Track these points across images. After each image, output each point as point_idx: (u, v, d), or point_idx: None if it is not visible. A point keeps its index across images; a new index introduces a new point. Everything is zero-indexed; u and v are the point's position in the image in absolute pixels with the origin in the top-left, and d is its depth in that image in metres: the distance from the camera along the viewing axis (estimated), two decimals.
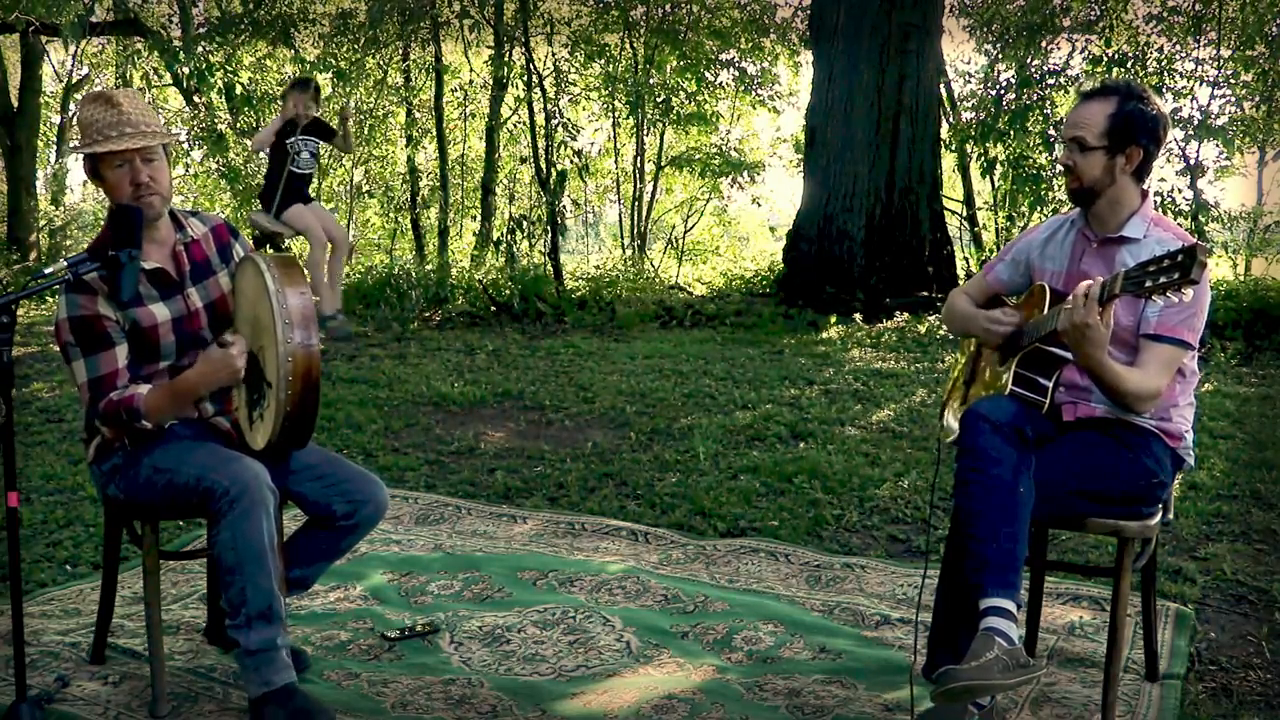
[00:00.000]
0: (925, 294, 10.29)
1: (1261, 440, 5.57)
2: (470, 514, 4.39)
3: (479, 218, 15.18)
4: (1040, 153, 11.11)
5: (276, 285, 2.48)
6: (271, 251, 7.26)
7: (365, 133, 15.43)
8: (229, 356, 2.58)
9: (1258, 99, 11.82)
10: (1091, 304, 2.32)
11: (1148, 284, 2.22)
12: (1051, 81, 11.21)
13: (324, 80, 14.45)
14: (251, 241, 5.19)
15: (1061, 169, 2.70)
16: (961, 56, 22.05)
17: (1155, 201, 9.48)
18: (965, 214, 13.58)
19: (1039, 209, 10.92)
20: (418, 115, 15.53)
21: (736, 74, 15.54)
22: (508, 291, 10.88)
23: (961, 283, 10.43)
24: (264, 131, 7.42)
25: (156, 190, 2.64)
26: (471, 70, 15.24)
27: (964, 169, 13.78)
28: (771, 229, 19.50)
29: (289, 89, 7.58)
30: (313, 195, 7.76)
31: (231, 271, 2.80)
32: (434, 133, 14.97)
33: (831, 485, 4.68)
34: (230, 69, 12.92)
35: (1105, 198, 2.64)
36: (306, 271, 6.59)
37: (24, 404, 6.27)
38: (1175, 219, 10.19)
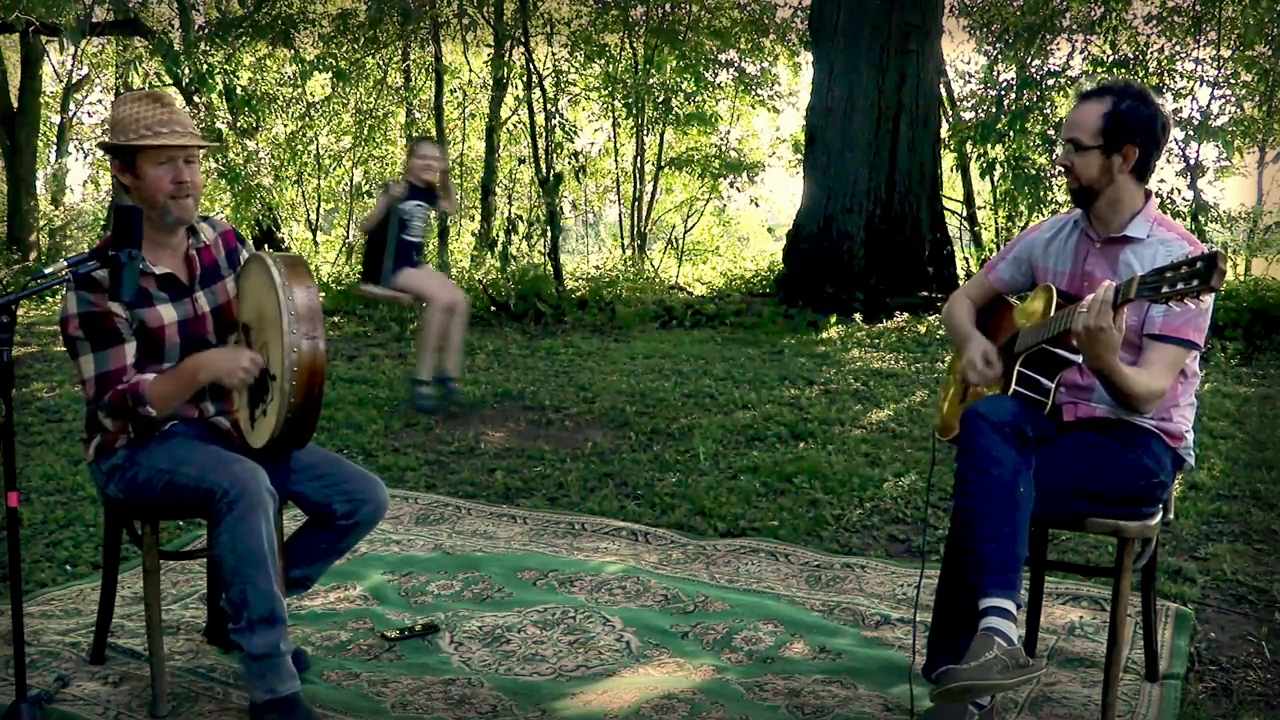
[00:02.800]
0: (925, 294, 10.29)
1: (1261, 440, 5.57)
2: (470, 514, 4.39)
3: (478, 218, 15.18)
4: (1040, 153, 11.12)
5: (283, 280, 2.49)
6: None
7: (365, 133, 15.43)
8: (242, 351, 2.60)
9: (1258, 99, 11.81)
10: (1106, 308, 2.31)
11: (1164, 290, 2.20)
12: (1051, 82, 11.21)
13: (324, 80, 14.48)
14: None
15: (1061, 169, 2.71)
16: (961, 56, 22.05)
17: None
18: (965, 214, 13.59)
19: (1037, 210, 10.93)
20: (417, 115, 15.52)
21: (736, 74, 15.55)
22: (507, 291, 10.88)
23: (961, 282, 10.44)
24: (376, 211, 6.23)
25: (193, 193, 2.67)
26: (471, 70, 15.24)
27: (964, 169, 13.79)
28: (770, 230, 19.50)
29: (415, 149, 6.49)
30: (421, 260, 6.63)
31: (237, 275, 2.81)
32: (434, 133, 14.97)
33: (831, 485, 4.68)
34: (230, 70, 12.93)
35: (1105, 197, 2.64)
36: (432, 336, 6.01)
37: (24, 404, 6.27)
38: (1175, 219, 10.19)
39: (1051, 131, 10.90)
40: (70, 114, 19.27)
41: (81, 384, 2.63)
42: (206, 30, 13.35)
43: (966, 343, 2.84)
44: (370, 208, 6.56)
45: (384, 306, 10.51)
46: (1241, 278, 11.72)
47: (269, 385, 2.55)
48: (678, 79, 14.71)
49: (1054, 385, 2.63)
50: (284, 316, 2.45)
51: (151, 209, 2.65)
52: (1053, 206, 10.78)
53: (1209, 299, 2.31)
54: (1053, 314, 2.58)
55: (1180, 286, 2.18)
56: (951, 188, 13.80)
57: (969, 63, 16.30)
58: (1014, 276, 2.87)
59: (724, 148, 15.91)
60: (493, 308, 10.51)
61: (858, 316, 9.78)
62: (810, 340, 9.04)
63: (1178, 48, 11.56)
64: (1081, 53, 11.40)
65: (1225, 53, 11.24)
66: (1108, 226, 2.67)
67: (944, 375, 3.10)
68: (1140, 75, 10.60)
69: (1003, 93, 11.37)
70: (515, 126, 14.74)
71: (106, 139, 2.68)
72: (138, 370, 2.63)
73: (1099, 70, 10.58)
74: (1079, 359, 2.56)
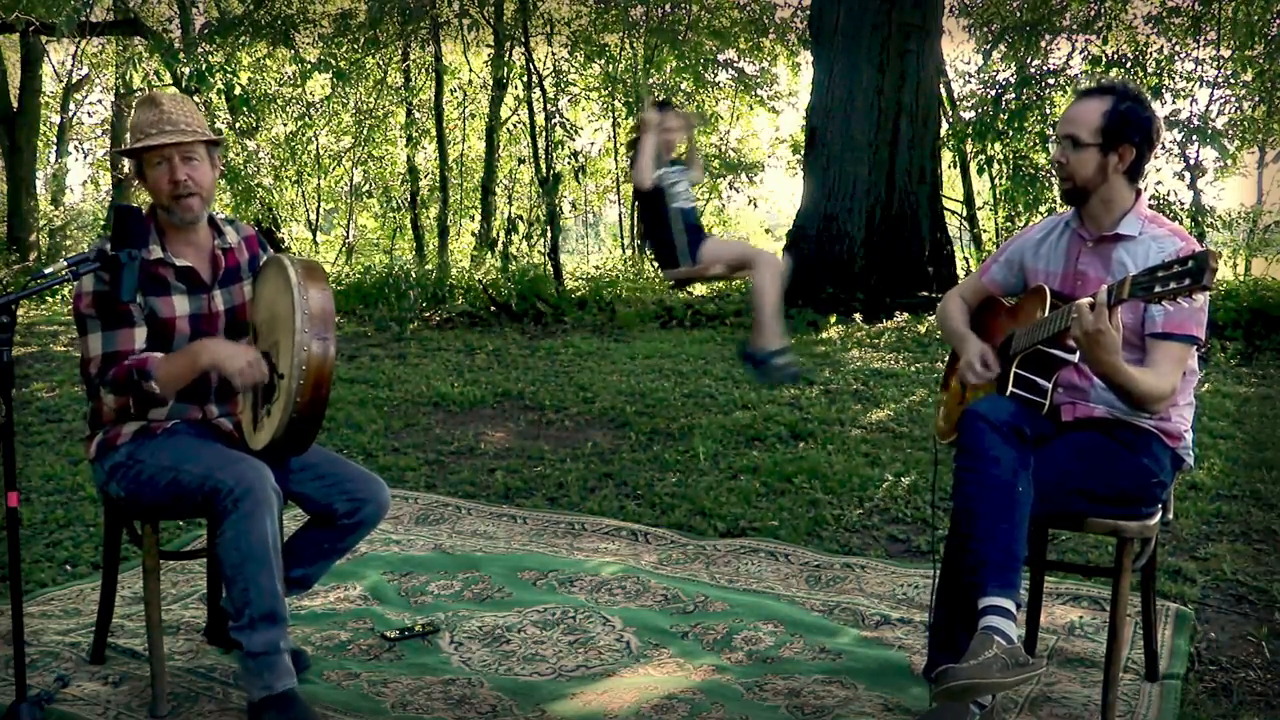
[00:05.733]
0: (925, 294, 10.29)
1: (1261, 440, 5.57)
2: (470, 514, 4.39)
3: (478, 217, 15.18)
4: (1038, 152, 11.12)
5: (299, 280, 2.49)
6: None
7: (365, 133, 15.44)
8: (250, 349, 2.59)
9: (1257, 99, 11.82)
10: (1101, 310, 2.31)
11: (1157, 289, 2.21)
12: (1051, 82, 11.22)
13: (324, 80, 14.48)
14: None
15: (1055, 166, 2.71)
16: (961, 56, 22.05)
17: (1151, 203, 9.47)
18: (965, 214, 13.59)
19: (1035, 209, 10.93)
20: (417, 115, 15.53)
21: (735, 74, 15.55)
22: (507, 291, 10.88)
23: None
24: (642, 166, 5.60)
25: (195, 190, 2.66)
26: (471, 70, 15.24)
27: (963, 169, 13.80)
28: (767, 230, 19.50)
29: (644, 121, 5.73)
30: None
31: (254, 276, 2.82)
32: (434, 133, 14.98)
33: (831, 485, 4.68)
34: (230, 69, 12.92)
35: (1098, 196, 2.65)
36: (758, 297, 5.31)
37: (24, 404, 6.27)
38: (1174, 220, 10.18)
39: (1050, 131, 10.90)
40: (70, 114, 19.28)
41: (86, 362, 2.63)
42: (206, 30, 13.35)
43: (963, 344, 2.85)
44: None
45: (383, 306, 10.52)
46: (1241, 278, 11.72)
47: (276, 384, 2.55)
48: (678, 79, 14.71)
49: (1051, 385, 2.64)
50: (297, 315, 2.45)
51: (163, 210, 2.68)
52: (1049, 206, 10.78)
53: (1202, 297, 2.31)
54: (1047, 314, 2.59)
55: (1173, 285, 2.18)
56: (951, 188, 13.81)
57: (969, 63, 16.31)
58: (1006, 278, 2.88)
59: (724, 148, 15.91)
60: (492, 308, 10.51)
61: (858, 316, 9.78)
62: (810, 340, 9.04)
63: (1177, 48, 11.56)
64: (1081, 52, 11.41)
65: (1225, 53, 11.23)
66: (1099, 225, 2.67)
67: (942, 377, 3.10)
68: (1139, 75, 10.60)
69: (1001, 91, 11.38)
70: (515, 126, 14.75)
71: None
72: None
73: (1097, 70, 10.58)
74: (1074, 358, 2.56)
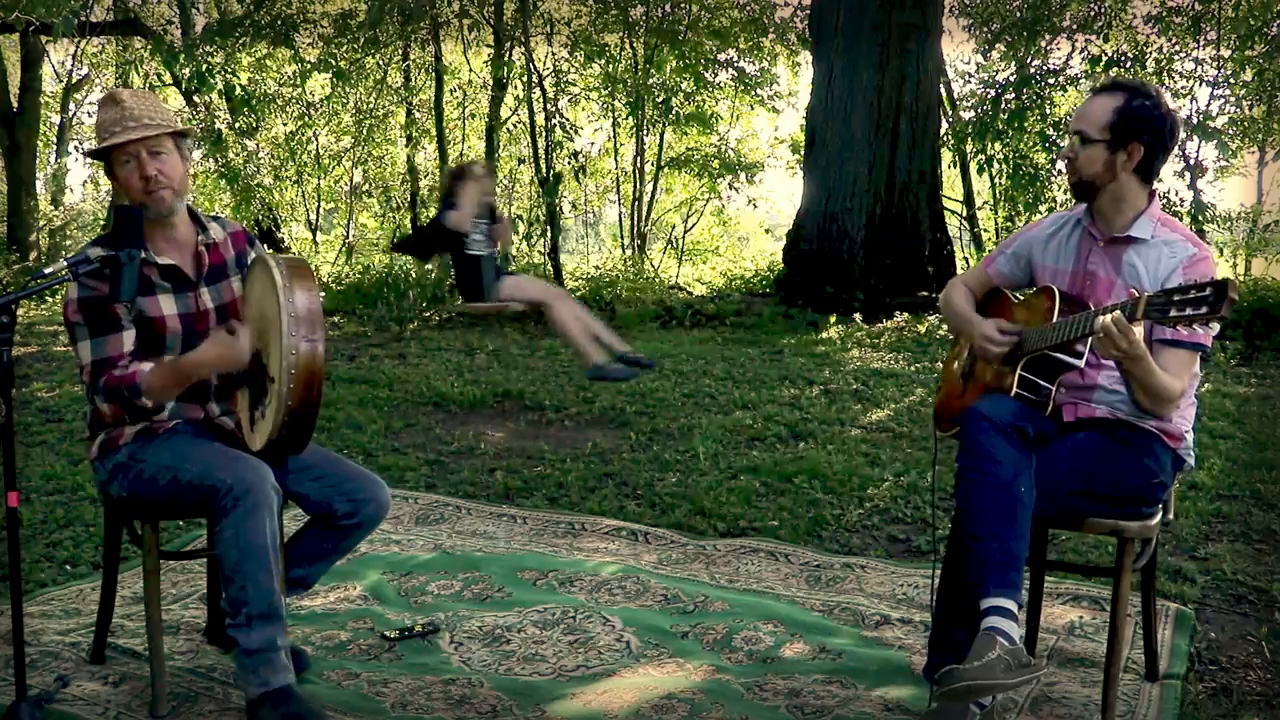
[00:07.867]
0: (925, 294, 10.29)
1: (1261, 440, 5.57)
2: (470, 514, 4.39)
3: None
4: (1038, 152, 11.11)
5: (285, 282, 2.48)
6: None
7: (365, 133, 15.42)
8: (236, 344, 2.57)
9: (1257, 99, 11.81)
10: (1128, 330, 2.30)
11: (1172, 314, 2.18)
12: (1050, 81, 11.22)
13: (324, 80, 14.48)
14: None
15: (1063, 161, 2.70)
16: (961, 56, 22.07)
17: None
18: (965, 214, 13.59)
19: (1035, 209, 10.93)
20: (417, 115, 15.53)
21: (736, 74, 15.55)
22: None
23: None
24: (464, 212, 6.13)
25: (166, 184, 2.64)
26: (471, 70, 15.24)
27: (964, 168, 13.80)
28: (767, 230, 19.49)
29: (472, 172, 6.76)
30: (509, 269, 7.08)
31: (243, 276, 2.80)
32: (433, 133, 14.97)
33: (831, 485, 4.68)
34: (230, 70, 12.93)
35: (1107, 193, 2.63)
36: (564, 329, 6.05)
37: (24, 404, 6.27)
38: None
39: (1050, 131, 10.89)
40: (70, 114, 19.27)
41: (80, 369, 2.63)
42: (206, 31, 13.35)
43: (972, 325, 2.80)
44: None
45: (383, 306, 10.52)
46: (1241, 277, 11.72)
47: (267, 388, 2.55)
48: (678, 79, 14.71)
49: (1054, 387, 2.63)
50: (284, 318, 2.44)
51: (139, 206, 2.66)
52: (1049, 206, 10.78)
53: (1218, 326, 2.30)
54: (1056, 319, 2.56)
55: (1189, 312, 2.15)
56: (951, 188, 13.80)
57: (969, 62, 16.32)
58: (1013, 272, 2.86)
59: (723, 148, 15.91)
60: None
61: (858, 316, 9.78)
62: (810, 340, 9.04)
63: (1177, 47, 11.57)
64: (1081, 52, 11.42)
65: (1225, 53, 11.24)
66: (1111, 226, 2.65)
67: (942, 369, 3.10)
68: (1139, 75, 10.61)
69: (1000, 91, 11.38)
70: (515, 126, 14.74)
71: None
72: (139, 361, 2.63)
73: (1097, 69, 10.58)
74: (1080, 363, 2.56)
